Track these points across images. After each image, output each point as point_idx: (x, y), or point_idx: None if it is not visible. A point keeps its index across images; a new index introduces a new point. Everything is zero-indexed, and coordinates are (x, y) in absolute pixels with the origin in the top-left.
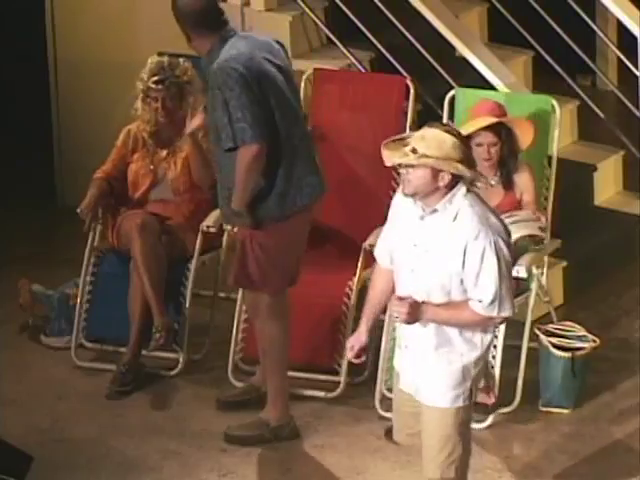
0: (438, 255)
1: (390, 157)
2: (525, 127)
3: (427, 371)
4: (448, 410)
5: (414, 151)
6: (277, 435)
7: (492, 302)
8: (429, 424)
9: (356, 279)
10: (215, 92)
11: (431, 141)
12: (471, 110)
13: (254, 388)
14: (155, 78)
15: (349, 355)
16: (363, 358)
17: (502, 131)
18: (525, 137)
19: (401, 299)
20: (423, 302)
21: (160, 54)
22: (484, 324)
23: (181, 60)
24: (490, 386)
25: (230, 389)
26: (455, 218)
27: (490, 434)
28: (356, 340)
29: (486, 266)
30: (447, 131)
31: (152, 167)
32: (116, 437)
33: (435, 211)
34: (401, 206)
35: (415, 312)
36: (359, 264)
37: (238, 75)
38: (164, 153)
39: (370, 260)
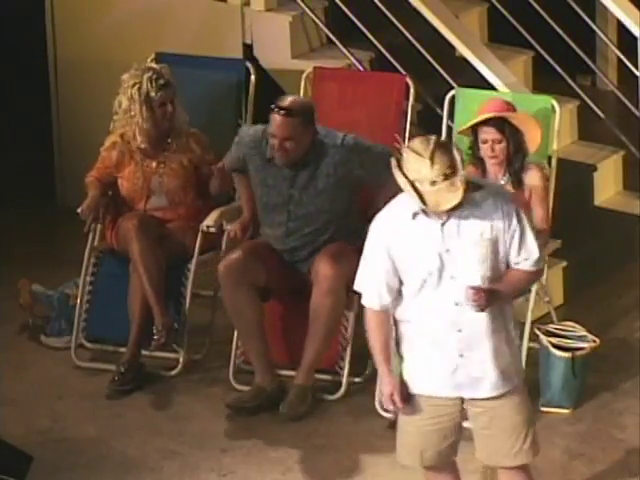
0: (478, 244)
1: (454, 199)
2: (532, 126)
3: (492, 362)
4: (523, 391)
5: (460, 177)
6: (301, 396)
7: (540, 254)
8: (508, 414)
9: None
10: (348, 165)
11: (453, 159)
12: (478, 109)
13: (261, 390)
14: (159, 83)
15: (399, 404)
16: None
17: (505, 128)
18: (532, 137)
19: (474, 288)
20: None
21: (158, 54)
22: (535, 281)
23: (164, 65)
24: None
25: (230, 390)
26: (474, 202)
27: None
28: (394, 389)
29: (523, 225)
30: (436, 145)
31: (145, 182)
32: (116, 437)
33: (459, 205)
34: (399, 232)
35: (491, 296)
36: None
37: (351, 136)
38: (154, 164)
39: None
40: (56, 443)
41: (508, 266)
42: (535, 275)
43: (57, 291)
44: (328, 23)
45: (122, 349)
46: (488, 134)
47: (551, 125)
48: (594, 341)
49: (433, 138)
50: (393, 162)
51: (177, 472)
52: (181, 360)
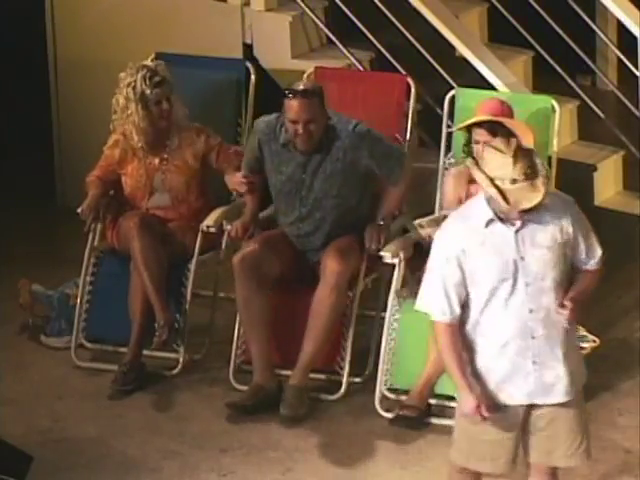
0: (551, 249)
1: (534, 198)
2: (524, 131)
3: (563, 367)
4: (582, 394)
5: (542, 179)
6: (299, 397)
7: (601, 252)
8: (569, 417)
9: (359, 281)
10: (357, 152)
11: (534, 162)
12: (475, 109)
13: (260, 388)
14: (154, 81)
15: (484, 413)
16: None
17: (498, 130)
18: (525, 142)
19: (564, 305)
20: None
21: (158, 54)
22: (597, 280)
23: (160, 62)
24: None
25: (231, 390)
26: (544, 206)
27: None
28: (479, 400)
29: (587, 226)
30: (518, 145)
31: (147, 179)
32: (116, 437)
33: (537, 206)
34: (472, 240)
35: (579, 308)
36: (362, 267)
37: (364, 125)
38: (156, 161)
39: (372, 264)
40: (56, 443)
41: (573, 268)
42: (599, 273)
43: (57, 291)
44: (328, 23)
45: (122, 349)
46: (480, 135)
47: (551, 125)
48: (594, 341)
49: (515, 139)
50: (471, 161)
51: (177, 472)
52: (181, 360)
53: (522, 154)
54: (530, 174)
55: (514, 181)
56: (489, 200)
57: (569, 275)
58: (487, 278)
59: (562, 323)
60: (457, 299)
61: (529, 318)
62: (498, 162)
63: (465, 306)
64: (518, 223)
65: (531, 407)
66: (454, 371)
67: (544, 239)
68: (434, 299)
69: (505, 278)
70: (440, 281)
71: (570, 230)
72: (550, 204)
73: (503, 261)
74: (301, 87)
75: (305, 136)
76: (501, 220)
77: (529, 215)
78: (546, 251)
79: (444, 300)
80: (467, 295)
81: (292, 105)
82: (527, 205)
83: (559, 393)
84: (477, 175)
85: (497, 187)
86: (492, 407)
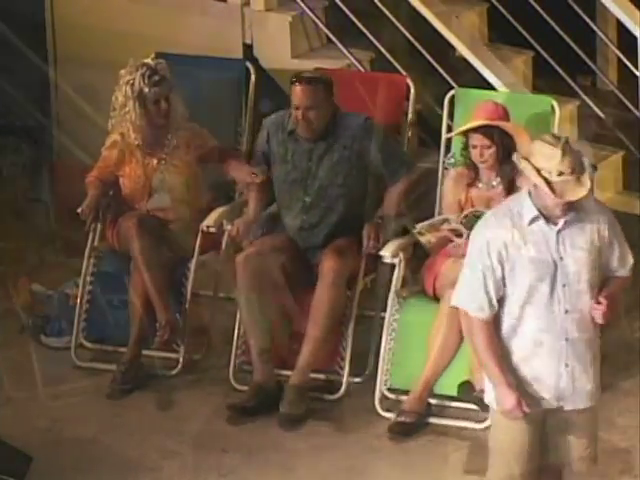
0: (589, 252)
1: (580, 192)
2: (520, 133)
3: (592, 370)
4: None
5: (589, 175)
6: (299, 397)
7: (633, 259)
8: (586, 421)
9: (358, 281)
10: (366, 143)
11: (582, 159)
12: (472, 112)
13: (260, 388)
14: (153, 80)
15: (525, 409)
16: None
17: (494, 134)
18: (520, 143)
19: (600, 303)
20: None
21: (158, 54)
22: (625, 288)
23: (161, 60)
24: None
25: (230, 390)
26: (583, 209)
27: None
28: (520, 396)
29: (620, 232)
30: (566, 141)
31: (146, 180)
32: (116, 437)
33: (580, 202)
34: (513, 237)
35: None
36: (361, 266)
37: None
38: (155, 161)
39: (371, 263)
40: (56, 443)
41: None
42: (628, 281)
43: (57, 291)
44: (328, 23)
45: (122, 349)
46: (477, 140)
47: (551, 125)
48: None
49: (564, 136)
50: (517, 155)
51: (177, 472)
52: (181, 360)
53: (571, 149)
54: (577, 169)
55: (561, 173)
56: (532, 196)
57: (601, 280)
58: (526, 277)
59: (597, 321)
60: (496, 295)
61: (564, 319)
62: (546, 154)
63: (501, 304)
64: (560, 223)
65: (554, 409)
66: (492, 369)
67: (583, 241)
68: (473, 295)
69: (543, 278)
70: (481, 276)
71: (606, 234)
72: (588, 207)
73: (542, 261)
74: (307, 73)
75: (305, 123)
76: (545, 218)
77: (571, 215)
78: (584, 253)
79: (484, 296)
80: (504, 292)
81: (296, 91)
82: (572, 197)
83: (586, 397)
84: (524, 166)
85: (544, 178)
86: (528, 405)
